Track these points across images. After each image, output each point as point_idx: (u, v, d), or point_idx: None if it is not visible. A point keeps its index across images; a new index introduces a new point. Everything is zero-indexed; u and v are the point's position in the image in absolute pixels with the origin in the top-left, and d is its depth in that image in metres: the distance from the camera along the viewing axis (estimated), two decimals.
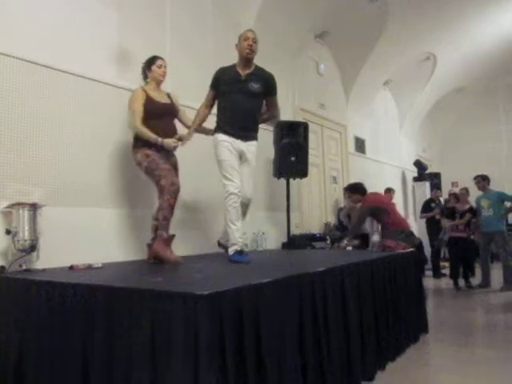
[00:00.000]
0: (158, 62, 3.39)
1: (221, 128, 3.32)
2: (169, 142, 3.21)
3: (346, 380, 2.40)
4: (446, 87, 10.18)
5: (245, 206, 3.45)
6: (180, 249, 3.46)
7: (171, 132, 3.34)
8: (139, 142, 3.25)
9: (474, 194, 6.73)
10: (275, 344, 1.86)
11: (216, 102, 3.42)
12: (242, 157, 3.37)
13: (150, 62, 3.40)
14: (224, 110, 3.34)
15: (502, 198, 6.22)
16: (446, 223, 6.75)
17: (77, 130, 3.39)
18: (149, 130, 3.20)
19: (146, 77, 3.44)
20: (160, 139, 3.18)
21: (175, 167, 3.40)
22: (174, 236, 3.25)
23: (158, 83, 3.42)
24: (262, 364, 1.76)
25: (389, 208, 4.87)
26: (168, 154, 3.32)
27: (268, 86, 3.40)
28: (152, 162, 3.18)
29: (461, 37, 8.20)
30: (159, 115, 3.30)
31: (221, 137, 3.30)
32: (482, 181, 6.33)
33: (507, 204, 6.22)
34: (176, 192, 3.14)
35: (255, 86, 3.31)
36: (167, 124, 3.36)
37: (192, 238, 4.14)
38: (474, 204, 6.61)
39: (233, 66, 3.37)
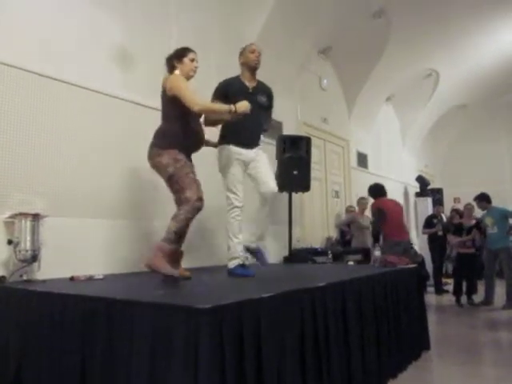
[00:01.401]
0: (191, 55, 3.04)
1: (232, 139, 3.17)
2: (243, 104, 2.85)
3: None
4: (449, 104, 10.24)
5: (269, 200, 3.21)
6: (185, 261, 3.45)
7: (202, 132, 3.14)
8: (166, 140, 2.89)
9: (479, 209, 6.74)
10: (275, 359, 1.85)
11: None
12: (251, 162, 3.23)
13: (181, 52, 3.03)
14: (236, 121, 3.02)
15: (505, 214, 6.19)
16: (452, 239, 6.72)
17: (80, 140, 3.41)
18: (182, 127, 2.90)
19: (172, 69, 3.03)
20: (233, 106, 2.82)
21: None
22: (182, 253, 2.98)
23: (188, 79, 3.02)
24: (262, 378, 1.74)
25: (388, 213, 5.40)
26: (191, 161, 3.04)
27: (271, 100, 3.42)
28: (182, 168, 2.82)
29: (463, 54, 8.27)
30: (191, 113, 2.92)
31: (233, 149, 3.16)
32: (480, 201, 6.32)
33: (511, 221, 6.20)
34: (199, 209, 2.80)
35: (263, 99, 3.30)
36: (198, 123, 3.12)
37: (197, 250, 4.13)
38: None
39: (237, 78, 3.31)
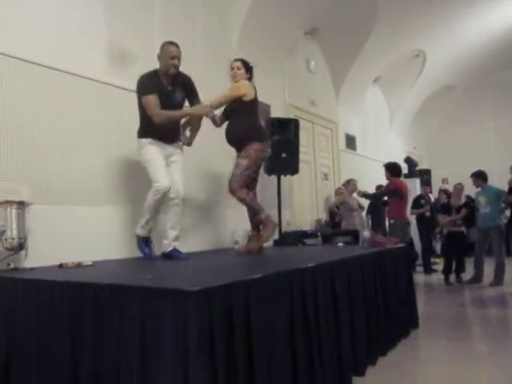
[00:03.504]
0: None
1: (150, 134, 3.26)
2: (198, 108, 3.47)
3: (337, 375, 2.40)
4: (436, 85, 10.25)
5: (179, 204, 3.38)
6: (189, 244, 3.52)
7: None
8: (262, 134, 3.59)
9: (469, 189, 6.84)
10: (265, 340, 1.86)
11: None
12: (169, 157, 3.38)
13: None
14: None
15: (499, 194, 6.22)
16: (442, 219, 6.78)
17: (66, 128, 3.36)
18: None
19: None
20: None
21: None
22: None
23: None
24: (252, 360, 1.75)
25: (404, 195, 5.89)
26: None
27: (189, 88, 3.40)
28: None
29: (450, 34, 8.25)
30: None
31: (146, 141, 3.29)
32: (476, 179, 6.36)
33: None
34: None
35: (180, 96, 3.35)
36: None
37: (200, 233, 4.18)
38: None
39: (156, 75, 3.24)
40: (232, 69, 3.60)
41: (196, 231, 4.43)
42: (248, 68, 3.62)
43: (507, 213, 6.42)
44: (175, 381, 1.55)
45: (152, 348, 1.65)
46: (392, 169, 6.01)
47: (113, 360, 1.76)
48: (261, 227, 3.55)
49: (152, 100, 3.11)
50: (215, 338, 1.60)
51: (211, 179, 4.70)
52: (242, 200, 3.46)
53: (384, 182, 7.12)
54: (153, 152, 3.25)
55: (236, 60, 3.65)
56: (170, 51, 3.19)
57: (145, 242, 3.38)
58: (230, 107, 3.57)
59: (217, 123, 3.72)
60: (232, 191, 3.43)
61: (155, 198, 3.19)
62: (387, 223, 6.37)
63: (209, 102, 3.39)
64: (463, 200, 6.79)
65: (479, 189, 6.39)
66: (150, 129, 3.23)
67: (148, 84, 3.16)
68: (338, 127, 7.84)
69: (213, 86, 4.26)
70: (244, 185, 3.45)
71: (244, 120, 3.52)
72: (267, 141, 3.67)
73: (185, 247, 3.49)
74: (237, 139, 3.54)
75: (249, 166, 3.46)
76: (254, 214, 3.53)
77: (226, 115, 3.66)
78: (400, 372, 2.82)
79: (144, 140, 3.26)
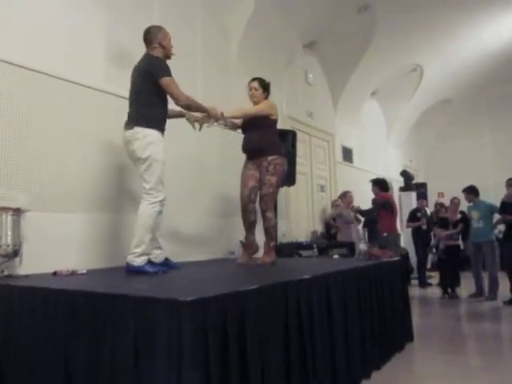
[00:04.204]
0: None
1: (156, 124, 3.01)
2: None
3: None
4: (433, 99, 10.33)
5: None
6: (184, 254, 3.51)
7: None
8: (282, 149, 3.70)
9: (464, 203, 6.82)
10: (260, 351, 1.85)
11: (156, 94, 3.01)
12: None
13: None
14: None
15: (491, 210, 6.23)
16: (439, 232, 6.79)
17: (62, 135, 3.37)
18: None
19: None
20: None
21: None
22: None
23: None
24: (246, 371, 1.74)
25: (394, 208, 6.14)
26: None
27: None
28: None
29: (447, 49, 8.34)
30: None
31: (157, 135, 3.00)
32: (468, 194, 6.39)
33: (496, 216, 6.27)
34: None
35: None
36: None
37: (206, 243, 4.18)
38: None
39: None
40: (250, 89, 3.72)
41: (191, 241, 4.42)
42: (265, 86, 3.74)
43: (501, 227, 6.43)
44: None
45: (146, 357, 1.64)
46: (382, 184, 6.27)
47: (107, 368, 1.75)
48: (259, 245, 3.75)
49: (175, 81, 2.98)
50: (209, 349, 1.60)
51: (205, 187, 4.70)
52: (269, 219, 3.60)
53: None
54: (163, 153, 2.98)
55: (253, 80, 3.74)
56: (169, 35, 3.17)
57: (148, 263, 2.97)
58: (253, 120, 3.64)
59: (225, 126, 3.75)
60: (265, 210, 3.59)
61: (155, 211, 2.91)
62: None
63: (228, 112, 3.46)
64: (459, 215, 6.82)
65: (471, 203, 6.43)
66: (159, 117, 3.02)
67: (167, 66, 3.02)
68: (335, 139, 7.88)
69: (210, 91, 4.29)
70: (274, 204, 3.66)
71: (268, 133, 3.66)
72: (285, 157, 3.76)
73: (179, 257, 3.49)
74: (260, 148, 3.63)
75: (278, 184, 3.65)
76: (269, 236, 3.67)
77: (245, 127, 3.74)
78: None
79: (154, 132, 2.95)
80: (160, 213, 3.00)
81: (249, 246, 3.77)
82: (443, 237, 6.67)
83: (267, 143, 3.63)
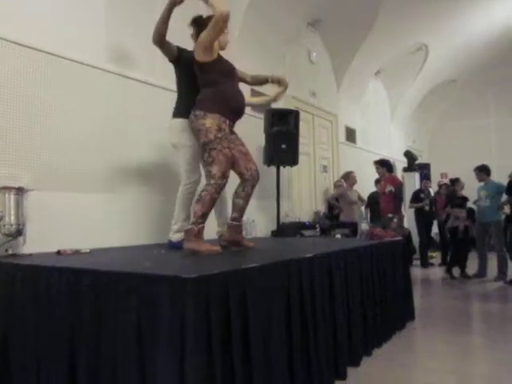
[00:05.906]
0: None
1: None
2: None
3: (332, 365, 2.42)
4: (437, 78, 10.21)
5: None
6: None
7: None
8: (211, 102, 2.82)
9: (468, 185, 6.83)
10: (262, 328, 1.87)
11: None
12: None
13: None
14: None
15: (500, 190, 6.19)
16: (458, 213, 6.59)
17: (66, 114, 3.34)
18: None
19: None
20: None
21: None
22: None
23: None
24: (248, 348, 1.76)
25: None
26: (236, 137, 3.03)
27: None
28: (221, 140, 2.76)
29: (452, 28, 8.20)
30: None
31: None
32: (479, 172, 6.35)
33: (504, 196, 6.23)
34: (222, 187, 2.80)
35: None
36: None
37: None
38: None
39: None
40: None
41: None
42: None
43: (506, 209, 6.39)
44: (172, 367, 1.56)
45: (149, 334, 1.65)
46: (388, 165, 6.20)
47: (110, 346, 1.77)
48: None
49: None
50: (212, 325, 1.61)
51: None
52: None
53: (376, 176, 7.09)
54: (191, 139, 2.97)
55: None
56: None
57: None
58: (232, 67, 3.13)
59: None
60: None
61: (189, 192, 3.07)
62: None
63: None
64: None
65: (482, 183, 6.38)
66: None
67: None
68: (339, 120, 7.81)
69: None
70: None
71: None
72: None
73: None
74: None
75: None
76: None
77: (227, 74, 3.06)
78: (394, 362, 2.84)
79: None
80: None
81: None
82: (463, 217, 6.57)
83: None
